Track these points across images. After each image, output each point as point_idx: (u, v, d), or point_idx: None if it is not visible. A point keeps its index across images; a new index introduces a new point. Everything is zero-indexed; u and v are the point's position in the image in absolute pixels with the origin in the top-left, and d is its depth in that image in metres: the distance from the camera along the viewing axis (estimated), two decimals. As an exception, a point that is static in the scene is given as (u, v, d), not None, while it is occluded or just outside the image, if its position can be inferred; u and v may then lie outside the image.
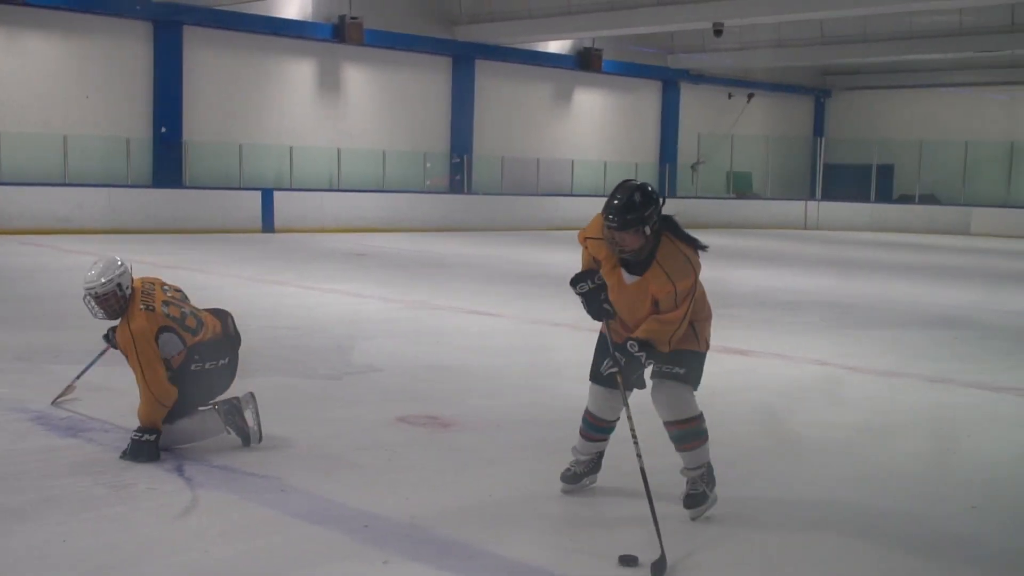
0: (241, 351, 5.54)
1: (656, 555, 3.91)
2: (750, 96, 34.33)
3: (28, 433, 5.58)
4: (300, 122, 24.87)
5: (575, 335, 9.58)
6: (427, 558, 3.97)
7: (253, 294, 8.59)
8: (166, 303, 5.22)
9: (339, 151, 24.99)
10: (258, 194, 22.20)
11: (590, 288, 4.49)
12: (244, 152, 23.45)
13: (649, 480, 4.24)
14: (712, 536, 4.34)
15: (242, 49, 23.72)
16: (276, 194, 22.42)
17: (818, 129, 36.85)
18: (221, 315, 5.52)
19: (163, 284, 5.40)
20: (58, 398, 6.20)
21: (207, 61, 23.21)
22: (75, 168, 21.20)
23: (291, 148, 24.17)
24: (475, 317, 10.54)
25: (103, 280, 5.09)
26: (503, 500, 4.58)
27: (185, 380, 5.20)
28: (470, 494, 4.72)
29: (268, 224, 21.98)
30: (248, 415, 5.34)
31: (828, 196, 32.17)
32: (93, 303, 5.16)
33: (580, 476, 4.80)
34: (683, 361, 4.44)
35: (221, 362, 5.33)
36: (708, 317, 4.55)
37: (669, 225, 4.43)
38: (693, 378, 4.49)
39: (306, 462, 5.17)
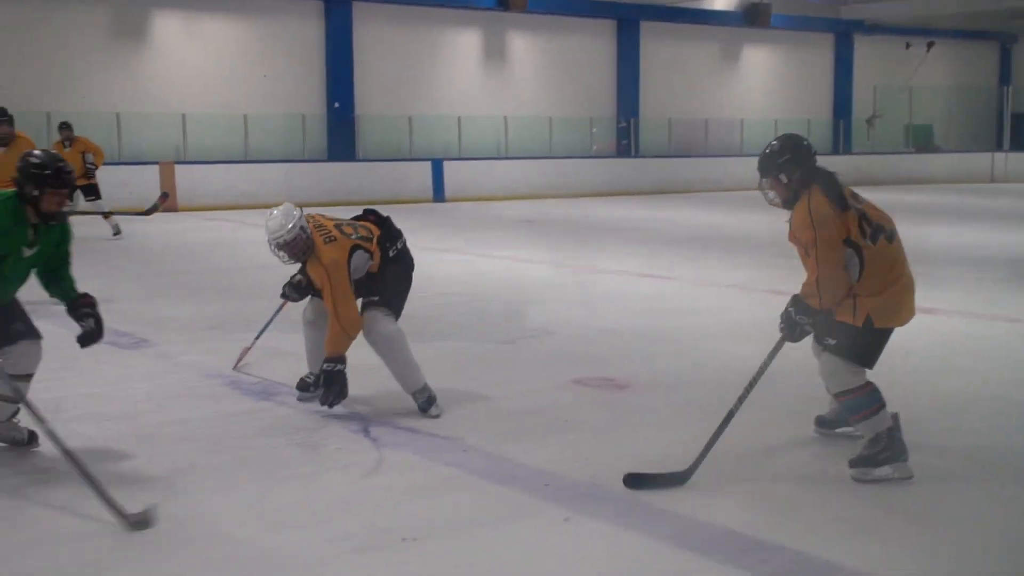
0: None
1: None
2: (930, 45, 32.74)
3: (224, 397, 5.87)
4: (467, 92, 25.15)
5: (747, 296, 9.42)
6: (607, 516, 4.00)
7: (427, 262, 8.69)
8: (338, 225, 5.47)
9: (506, 119, 25.18)
10: (428, 164, 22.61)
11: None
12: (413, 123, 23.91)
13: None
14: (911, 489, 4.27)
15: (408, 21, 24.14)
16: (445, 163, 22.78)
17: (1005, 77, 34.90)
18: (369, 215, 5.74)
19: (322, 215, 5.61)
20: (238, 363, 6.48)
21: (375, 35, 23.73)
22: (255, 145, 22.08)
23: (459, 118, 24.49)
24: (645, 280, 10.48)
25: (288, 227, 5.28)
26: (680, 460, 4.54)
27: (393, 263, 5.55)
28: (648, 454, 4.71)
29: (439, 193, 22.37)
30: (434, 410, 5.44)
31: (1017, 147, 30.45)
32: (280, 251, 5.37)
33: (835, 424, 4.93)
34: (835, 332, 4.38)
35: (402, 239, 5.68)
36: (878, 293, 4.31)
37: (822, 178, 4.37)
38: (845, 351, 4.37)
39: (485, 423, 5.27)
